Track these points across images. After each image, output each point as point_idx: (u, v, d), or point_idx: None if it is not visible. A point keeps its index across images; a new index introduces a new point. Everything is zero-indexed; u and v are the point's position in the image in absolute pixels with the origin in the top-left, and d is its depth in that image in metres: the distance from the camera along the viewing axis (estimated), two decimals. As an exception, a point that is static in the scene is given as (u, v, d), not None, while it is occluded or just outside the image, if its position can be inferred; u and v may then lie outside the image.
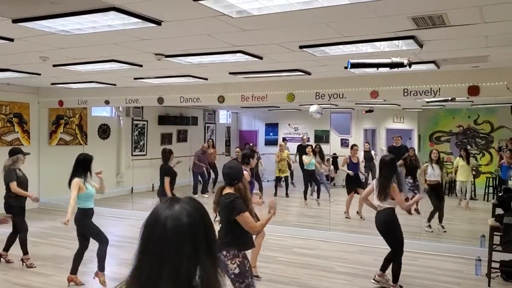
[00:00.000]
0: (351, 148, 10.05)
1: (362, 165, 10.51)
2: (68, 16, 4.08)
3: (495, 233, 5.73)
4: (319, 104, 9.80)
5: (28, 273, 6.07)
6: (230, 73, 7.59)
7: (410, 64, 4.51)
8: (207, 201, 11.45)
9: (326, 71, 7.24)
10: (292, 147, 13.75)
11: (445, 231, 8.36)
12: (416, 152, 11.02)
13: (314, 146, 11.96)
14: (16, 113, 10.55)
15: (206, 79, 8.37)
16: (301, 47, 5.35)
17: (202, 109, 15.17)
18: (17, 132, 10.56)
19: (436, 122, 13.20)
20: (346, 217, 9.66)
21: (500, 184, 10.81)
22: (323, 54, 5.75)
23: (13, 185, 6.17)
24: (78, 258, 5.54)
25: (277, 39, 5.06)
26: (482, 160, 12.50)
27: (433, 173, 8.44)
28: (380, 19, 4.12)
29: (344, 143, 14.52)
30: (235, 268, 3.75)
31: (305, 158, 11.16)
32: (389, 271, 5.50)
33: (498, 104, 10.97)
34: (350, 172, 9.84)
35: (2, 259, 6.48)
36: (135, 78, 8.53)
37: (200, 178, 12.66)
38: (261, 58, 6.12)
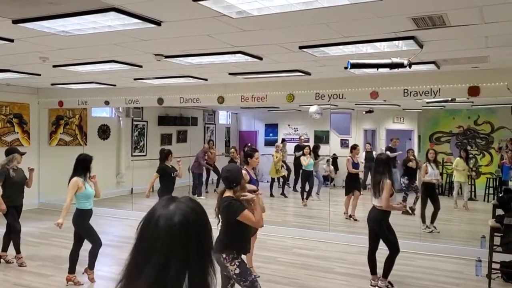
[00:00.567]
0: (354, 148, 10.01)
1: (361, 166, 10.49)
2: (68, 16, 4.08)
3: (495, 234, 5.72)
4: (319, 105, 9.79)
5: (28, 273, 6.07)
6: (229, 74, 7.59)
7: (410, 65, 4.51)
8: (206, 201, 11.46)
9: (326, 71, 7.24)
10: (292, 147, 13.76)
11: (438, 232, 8.35)
12: (416, 153, 11.02)
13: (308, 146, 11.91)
14: (16, 114, 10.55)
15: (206, 79, 8.36)
16: (301, 47, 5.34)
17: (202, 109, 15.16)
18: (17, 132, 10.56)
19: (436, 122, 13.19)
20: (346, 218, 9.65)
21: (501, 185, 10.81)
22: (323, 54, 5.74)
23: None
24: (73, 257, 5.57)
25: (277, 39, 5.06)
26: (482, 160, 12.49)
27: (433, 173, 8.45)
28: (380, 20, 4.12)
29: (344, 143, 14.51)
30: (235, 268, 3.81)
31: (303, 160, 11.13)
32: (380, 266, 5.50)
33: (498, 105, 10.97)
34: (359, 171, 9.90)
35: (1, 260, 6.48)
36: (135, 79, 8.53)
37: (198, 179, 12.64)
38: (261, 58, 6.11)
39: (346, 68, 5.14)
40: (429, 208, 8.39)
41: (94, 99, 10.46)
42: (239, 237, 3.90)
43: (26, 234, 6.94)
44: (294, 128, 15.69)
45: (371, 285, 5.60)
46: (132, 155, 12.94)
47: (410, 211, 9.12)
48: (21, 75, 8.06)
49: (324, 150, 12.35)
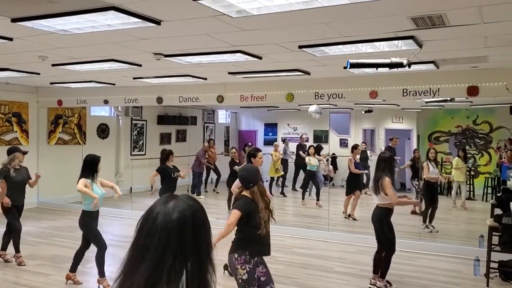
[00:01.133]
0: (355, 148, 9.98)
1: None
2: (67, 15, 4.08)
3: (493, 233, 5.73)
4: (318, 104, 9.79)
5: (27, 272, 6.07)
6: (229, 73, 7.59)
7: (409, 64, 4.51)
8: (205, 201, 11.46)
9: (325, 71, 7.24)
10: (291, 147, 13.76)
11: (437, 231, 8.36)
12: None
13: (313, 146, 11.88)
14: (15, 113, 10.54)
15: (205, 79, 8.36)
16: (300, 47, 5.35)
17: (201, 109, 15.16)
18: (16, 131, 10.55)
19: (435, 122, 13.19)
20: (345, 217, 9.65)
21: (499, 185, 10.82)
22: (322, 54, 5.74)
23: None
24: (78, 257, 5.51)
25: (276, 39, 5.06)
26: (481, 160, 12.49)
27: (434, 171, 8.46)
28: (379, 19, 4.12)
29: (343, 143, 14.52)
30: (244, 274, 3.72)
31: (310, 160, 11.06)
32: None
33: (497, 105, 10.96)
34: (365, 172, 9.85)
35: (1, 259, 6.47)
36: (134, 78, 8.52)
37: (197, 178, 12.64)
38: (260, 58, 6.11)
39: (345, 67, 5.14)
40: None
41: (93, 98, 10.45)
42: (251, 237, 3.76)
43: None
44: (294, 128, 15.69)
45: (370, 284, 5.61)
46: (131, 154, 12.93)
47: (418, 211, 9.11)
48: (20, 74, 8.05)
49: (323, 149, 12.33)
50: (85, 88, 10.09)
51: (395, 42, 4.95)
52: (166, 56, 6.07)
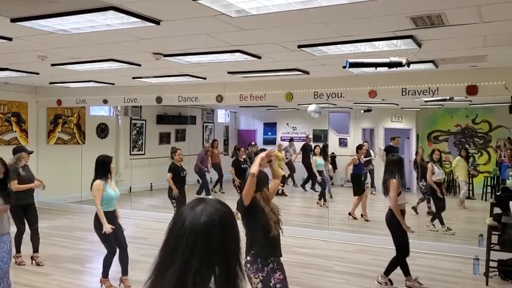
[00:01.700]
0: (360, 148, 9.90)
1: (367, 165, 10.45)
2: (67, 15, 4.08)
3: (493, 232, 5.75)
4: (317, 104, 9.79)
5: (26, 272, 6.07)
6: (228, 73, 7.59)
7: (408, 64, 4.51)
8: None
9: (324, 70, 7.25)
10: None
11: (437, 230, 8.37)
12: (414, 152, 11.03)
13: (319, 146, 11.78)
14: (14, 112, 10.54)
15: (205, 78, 8.36)
16: (299, 46, 5.35)
17: (201, 108, 15.16)
18: (15, 131, 10.54)
19: (434, 121, 13.20)
20: (354, 218, 9.34)
21: (499, 184, 10.83)
22: (321, 53, 5.75)
23: (13, 184, 6.13)
24: (106, 262, 5.38)
25: (275, 38, 5.06)
26: (480, 159, 12.51)
27: (439, 173, 8.47)
28: (378, 19, 4.13)
29: (342, 142, 14.53)
30: (258, 282, 3.61)
31: (318, 159, 10.97)
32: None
33: (496, 104, 10.97)
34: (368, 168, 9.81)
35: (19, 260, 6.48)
36: (133, 78, 8.52)
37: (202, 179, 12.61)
38: (259, 57, 6.12)
39: (344, 67, 5.14)
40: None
41: (93, 97, 10.45)
42: (259, 237, 3.61)
43: (25, 233, 6.93)
44: (293, 127, 15.69)
45: (405, 286, 5.53)
46: (130, 154, 12.93)
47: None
48: (20, 73, 8.05)
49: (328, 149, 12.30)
50: (84, 87, 10.09)
51: (394, 41, 4.96)
52: (165, 56, 6.08)
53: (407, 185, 12.20)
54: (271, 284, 3.68)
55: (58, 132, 11.45)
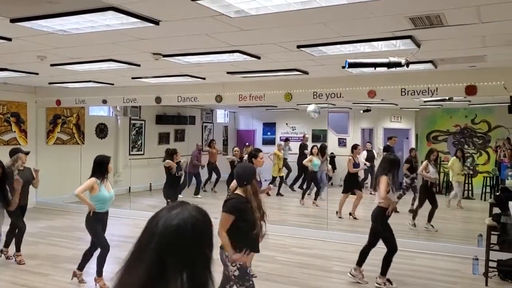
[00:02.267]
0: (355, 148, 9.95)
1: (361, 165, 10.46)
2: (66, 15, 4.08)
3: (492, 232, 5.75)
4: (316, 104, 9.80)
5: (26, 272, 6.06)
6: (228, 73, 7.59)
7: (407, 64, 4.52)
8: (204, 201, 11.46)
9: (323, 70, 7.25)
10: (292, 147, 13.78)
11: (436, 231, 8.38)
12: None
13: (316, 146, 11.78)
14: (14, 113, 10.53)
15: (204, 78, 8.36)
16: (298, 46, 5.35)
17: (200, 108, 15.17)
18: (15, 131, 10.54)
19: (433, 121, 13.22)
20: (339, 217, 9.59)
21: (498, 184, 10.84)
22: (320, 53, 5.75)
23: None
24: (86, 256, 5.52)
25: (275, 38, 5.07)
26: (479, 159, 12.53)
27: (433, 172, 8.49)
28: (377, 19, 4.13)
29: (341, 142, 14.54)
30: (235, 270, 3.76)
31: (315, 159, 10.99)
32: (374, 263, 5.52)
33: (495, 104, 10.98)
34: (359, 169, 9.85)
35: (2, 255, 6.49)
36: (132, 78, 8.52)
37: (196, 178, 12.63)
38: (259, 57, 6.12)
39: (344, 67, 5.15)
40: (427, 207, 8.42)
41: (92, 98, 10.44)
42: (240, 234, 3.79)
43: (20, 231, 6.93)
44: (292, 127, 15.71)
45: (349, 273, 5.73)
46: (129, 154, 12.93)
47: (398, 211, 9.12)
48: (19, 74, 8.04)
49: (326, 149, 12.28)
50: (83, 88, 10.08)
51: (393, 41, 4.96)
52: (164, 56, 6.08)
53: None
54: (248, 271, 3.85)
55: (57, 132, 11.45)
